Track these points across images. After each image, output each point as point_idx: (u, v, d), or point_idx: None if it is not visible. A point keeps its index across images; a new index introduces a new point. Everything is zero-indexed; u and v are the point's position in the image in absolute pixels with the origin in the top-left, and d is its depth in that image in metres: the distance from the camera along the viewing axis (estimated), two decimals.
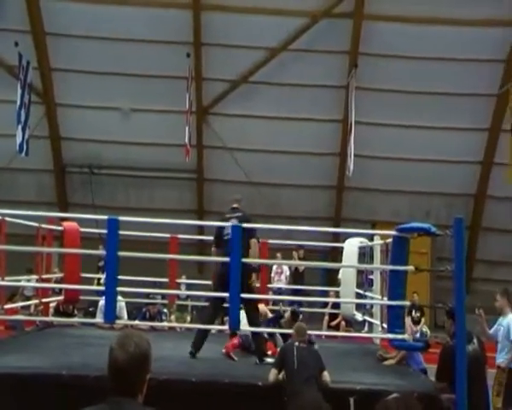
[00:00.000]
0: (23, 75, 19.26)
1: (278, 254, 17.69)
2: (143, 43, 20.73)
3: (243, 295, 9.00)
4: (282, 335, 10.20)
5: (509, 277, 22.12)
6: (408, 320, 9.76)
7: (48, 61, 21.32)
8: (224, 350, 9.77)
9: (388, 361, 10.02)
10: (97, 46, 20.79)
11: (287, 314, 10.65)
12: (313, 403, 3.32)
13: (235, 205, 9.88)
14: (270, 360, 9.05)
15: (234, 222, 9.55)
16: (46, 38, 20.95)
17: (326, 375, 7.72)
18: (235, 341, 9.94)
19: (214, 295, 9.88)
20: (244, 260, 9.03)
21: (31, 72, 19.72)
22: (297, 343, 7.92)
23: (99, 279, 15.17)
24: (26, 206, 16.63)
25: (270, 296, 12.84)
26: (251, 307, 9.47)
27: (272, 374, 7.71)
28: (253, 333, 9.43)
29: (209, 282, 12.49)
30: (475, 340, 8.17)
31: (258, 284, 13.32)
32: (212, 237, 11.08)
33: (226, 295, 9.15)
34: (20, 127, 19.06)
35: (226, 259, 9.09)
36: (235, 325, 8.95)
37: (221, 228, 9.82)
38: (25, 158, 19.93)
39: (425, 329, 17.56)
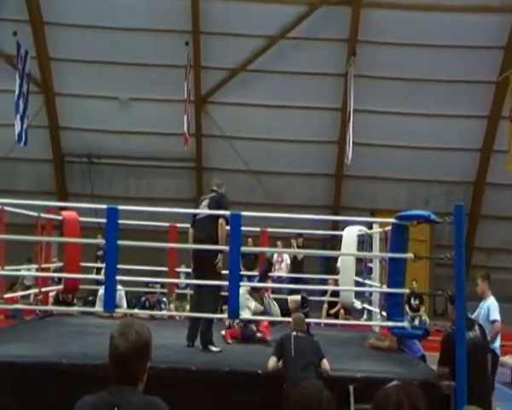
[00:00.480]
0: (21, 65, 19.22)
1: (279, 243, 17.69)
2: (142, 31, 20.71)
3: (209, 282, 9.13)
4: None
5: (508, 264, 22.22)
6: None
7: (46, 51, 21.29)
8: (222, 332, 9.85)
9: (372, 341, 10.07)
10: (96, 35, 20.76)
11: (295, 297, 10.70)
12: (314, 391, 3.33)
13: (214, 187, 9.83)
14: (214, 348, 9.01)
15: (205, 203, 9.60)
16: (44, 27, 20.93)
17: (325, 363, 7.74)
18: (236, 331, 9.98)
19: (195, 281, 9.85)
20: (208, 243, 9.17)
21: (29, 61, 19.70)
22: (294, 333, 7.96)
23: (98, 268, 15.18)
24: (26, 195, 16.67)
25: (269, 285, 12.79)
26: (212, 290, 9.28)
27: (271, 361, 7.72)
28: (204, 320, 9.22)
29: None
30: (477, 327, 8.19)
31: (256, 273, 13.33)
32: None
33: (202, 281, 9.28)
34: (18, 117, 19.04)
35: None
36: (234, 313, 8.95)
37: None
38: (24, 148, 19.93)
39: (424, 316, 17.58)
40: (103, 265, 16.10)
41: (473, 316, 9.61)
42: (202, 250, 9.28)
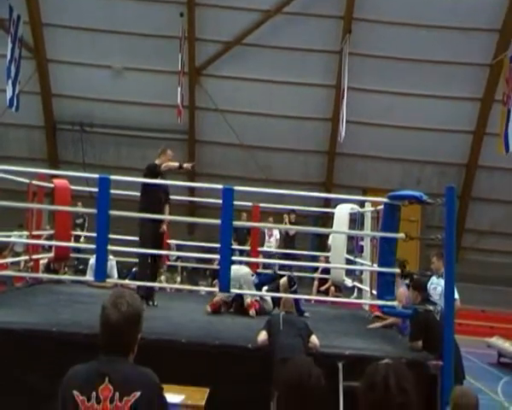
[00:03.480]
0: (14, 29, 18.99)
1: (270, 219, 17.69)
2: (137, 1, 20.52)
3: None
4: (272, 299, 10.28)
5: (498, 246, 22.34)
6: (403, 289, 9.79)
7: (39, 16, 21.07)
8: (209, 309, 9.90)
9: (374, 325, 10.14)
10: (90, 2, 20.61)
11: (283, 280, 10.68)
12: (303, 368, 3.33)
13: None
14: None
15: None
16: None
17: (314, 338, 7.78)
18: (217, 299, 9.99)
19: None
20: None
21: (21, 26, 19.45)
22: (283, 313, 8.13)
23: (76, 236, 15.20)
24: (17, 161, 16.56)
25: (260, 260, 12.83)
26: (139, 257, 10.06)
27: (261, 335, 7.76)
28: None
29: (199, 243, 12.55)
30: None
31: (248, 247, 13.33)
32: (202, 199, 11.33)
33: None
34: (10, 82, 18.85)
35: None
36: (225, 287, 8.95)
37: None
38: (15, 113, 19.76)
39: None
40: (82, 233, 16.22)
41: None
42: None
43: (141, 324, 3.27)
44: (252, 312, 10.03)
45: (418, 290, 8.70)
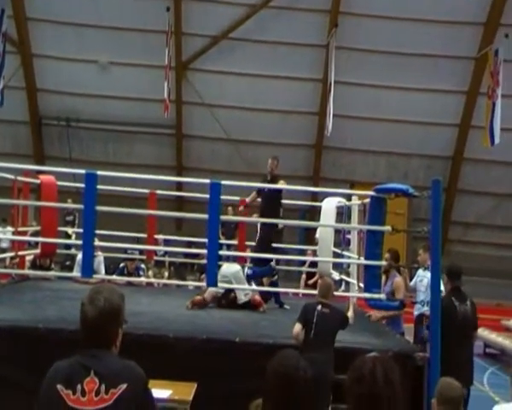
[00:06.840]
0: None
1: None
2: None
3: None
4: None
5: (484, 238, 22.44)
6: (399, 278, 9.76)
7: (24, 10, 20.98)
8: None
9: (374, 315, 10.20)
10: None
11: None
12: (290, 360, 3.33)
13: None
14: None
15: None
16: None
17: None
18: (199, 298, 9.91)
19: None
20: None
21: (5, 20, 19.33)
22: (319, 307, 7.59)
23: (66, 233, 15.13)
24: (2, 157, 16.42)
25: (247, 254, 12.81)
26: None
27: (297, 327, 7.50)
28: None
29: (187, 238, 12.49)
30: (468, 302, 8.26)
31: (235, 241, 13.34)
32: (189, 194, 11.31)
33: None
34: None
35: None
36: (212, 281, 8.94)
37: None
38: (0, 109, 19.65)
39: None
40: (73, 230, 16.19)
41: (411, 283, 10.12)
42: None
43: (120, 318, 3.27)
44: (262, 308, 9.99)
45: (450, 279, 8.42)
